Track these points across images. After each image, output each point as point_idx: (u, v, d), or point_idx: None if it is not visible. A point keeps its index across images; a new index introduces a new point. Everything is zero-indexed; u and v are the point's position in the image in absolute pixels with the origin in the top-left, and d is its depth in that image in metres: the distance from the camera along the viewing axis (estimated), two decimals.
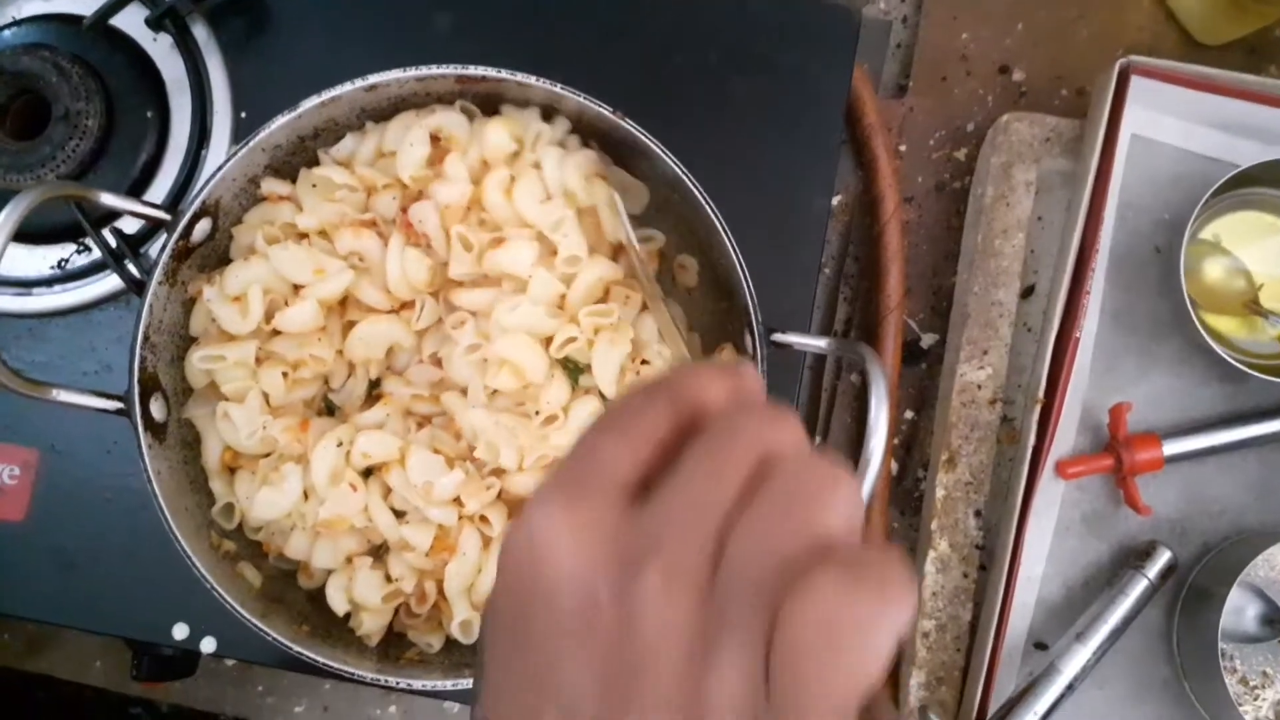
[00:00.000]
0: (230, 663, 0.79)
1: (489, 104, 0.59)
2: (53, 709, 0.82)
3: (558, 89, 0.55)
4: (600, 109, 0.55)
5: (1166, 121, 0.70)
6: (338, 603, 0.56)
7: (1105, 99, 0.67)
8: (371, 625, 0.56)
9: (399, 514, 0.57)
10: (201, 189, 0.54)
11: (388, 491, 0.56)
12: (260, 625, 0.52)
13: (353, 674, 0.52)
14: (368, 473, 0.57)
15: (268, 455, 0.56)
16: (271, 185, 0.57)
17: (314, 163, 0.59)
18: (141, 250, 0.65)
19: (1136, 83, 0.67)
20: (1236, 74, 0.66)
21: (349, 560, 0.57)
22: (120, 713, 0.82)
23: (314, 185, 0.57)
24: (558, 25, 0.67)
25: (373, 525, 0.55)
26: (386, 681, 0.53)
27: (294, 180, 0.58)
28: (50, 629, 0.79)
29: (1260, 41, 0.76)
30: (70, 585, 0.64)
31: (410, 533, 0.55)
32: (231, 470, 0.57)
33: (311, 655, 0.52)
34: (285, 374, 0.55)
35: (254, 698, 0.81)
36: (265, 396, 0.55)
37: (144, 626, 0.63)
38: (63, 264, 0.66)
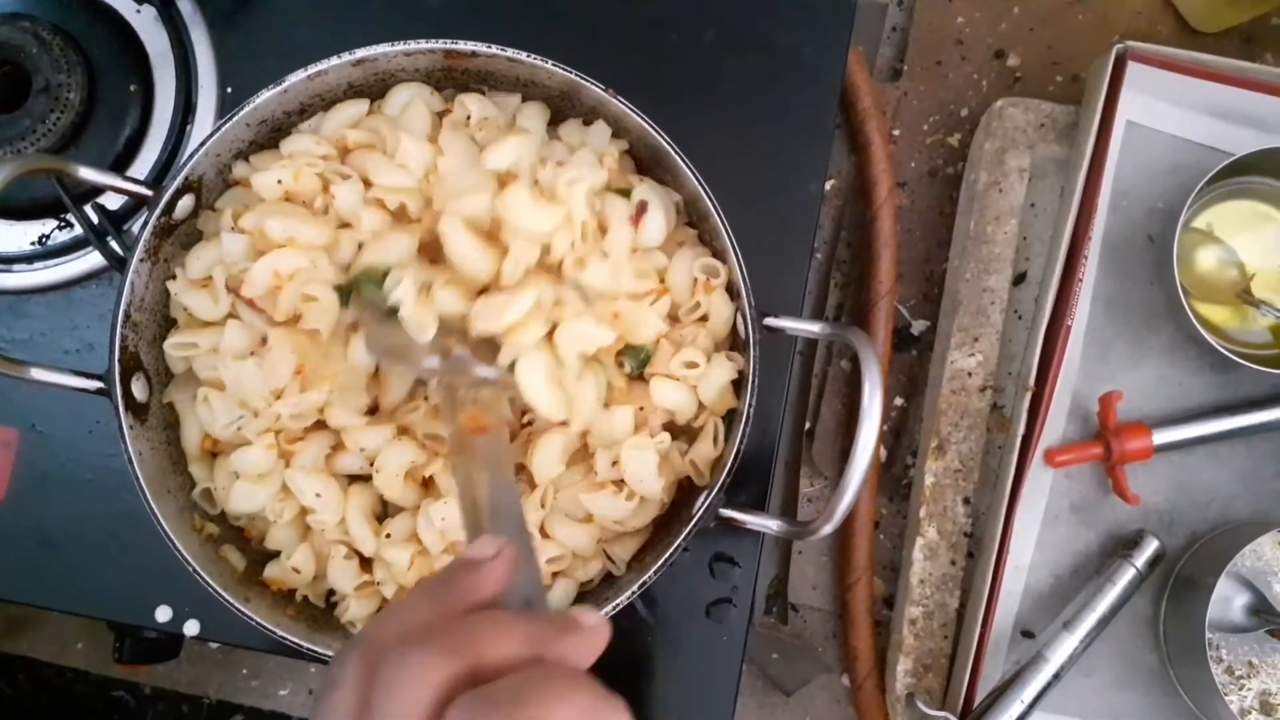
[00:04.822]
0: (214, 645, 0.78)
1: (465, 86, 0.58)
2: (33, 690, 0.81)
3: (548, 65, 0.54)
4: (592, 86, 0.54)
5: (1162, 108, 0.69)
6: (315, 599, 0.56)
7: (1101, 85, 0.66)
8: (357, 612, 0.55)
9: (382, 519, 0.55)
10: (184, 165, 0.53)
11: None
12: (244, 610, 0.51)
13: None
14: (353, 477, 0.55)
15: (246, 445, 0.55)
16: (242, 170, 0.56)
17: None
18: (124, 227, 0.64)
19: (1133, 69, 0.66)
20: (1233, 61, 0.66)
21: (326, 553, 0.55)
22: (102, 695, 0.81)
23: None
24: (550, 2, 0.66)
25: (349, 538, 0.54)
26: None
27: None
28: (30, 610, 0.78)
29: (1257, 29, 0.75)
30: (51, 566, 0.63)
31: (391, 554, 0.53)
32: (213, 455, 0.56)
33: (295, 640, 0.51)
34: None
35: (238, 681, 0.81)
36: None
37: (126, 609, 0.62)
38: (43, 240, 0.65)
